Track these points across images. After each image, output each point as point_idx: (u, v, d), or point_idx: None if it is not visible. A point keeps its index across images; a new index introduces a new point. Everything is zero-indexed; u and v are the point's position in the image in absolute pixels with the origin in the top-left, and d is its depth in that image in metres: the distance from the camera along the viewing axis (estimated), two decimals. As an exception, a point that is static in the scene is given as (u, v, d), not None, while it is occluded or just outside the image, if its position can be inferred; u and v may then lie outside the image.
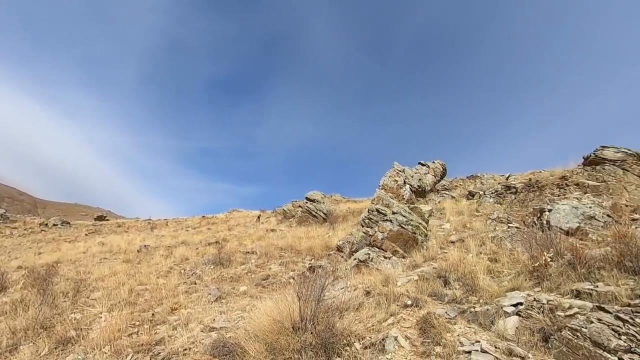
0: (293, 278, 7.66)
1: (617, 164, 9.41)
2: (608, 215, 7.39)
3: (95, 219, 34.90)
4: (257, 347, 3.81)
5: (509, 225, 8.50)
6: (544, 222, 7.55)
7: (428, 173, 15.82)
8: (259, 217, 22.14)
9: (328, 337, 3.74)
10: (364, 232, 8.91)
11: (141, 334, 5.07)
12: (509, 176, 14.27)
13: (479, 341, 3.42)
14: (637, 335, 2.90)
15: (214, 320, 5.36)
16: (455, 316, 4.18)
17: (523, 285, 4.92)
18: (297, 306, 4.09)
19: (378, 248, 7.92)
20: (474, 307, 4.29)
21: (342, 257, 9.20)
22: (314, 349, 3.62)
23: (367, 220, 9.23)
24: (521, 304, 4.03)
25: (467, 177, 17.39)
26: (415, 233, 8.15)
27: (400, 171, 14.82)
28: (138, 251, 12.47)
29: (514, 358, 3.16)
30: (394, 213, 8.58)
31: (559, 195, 9.34)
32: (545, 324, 3.53)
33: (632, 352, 2.79)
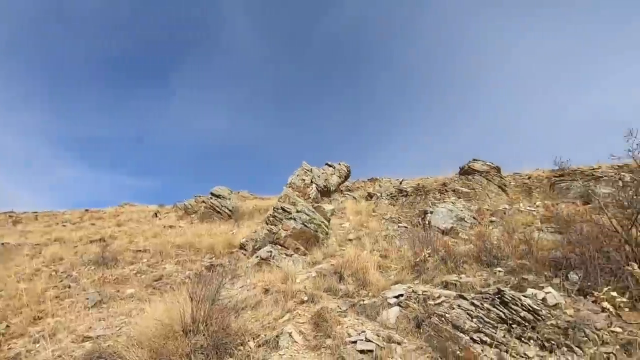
0: (189, 278, 7.23)
1: (483, 174, 11.28)
2: (474, 218, 8.81)
3: None
4: (140, 354, 3.48)
5: (399, 225, 9.48)
6: (427, 222, 8.62)
7: (334, 174, 16.61)
8: (156, 213, 20.28)
9: (221, 337, 3.64)
10: (268, 230, 8.92)
11: (-12, 351, 4.19)
12: (402, 181, 15.88)
13: (364, 331, 3.73)
14: (484, 317, 3.53)
15: (90, 328, 4.73)
16: (347, 309, 4.48)
17: (406, 278, 5.55)
18: (190, 307, 3.88)
19: (281, 246, 8.01)
20: (363, 300, 4.66)
21: (244, 255, 9.05)
22: (205, 350, 3.48)
23: (271, 218, 9.25)
24: (402, 295, 4.52)
25: (368, 180, 18.77)
26: (317, 231, 8.48)
27: (308, 170, 15.23)
28: (-8, 250, 10.24)
29: (392, 344, 3.54)
30: (298, 211, 8.78)
31: (439, 199, 10.76)
32: (419, 312, 4.04)
33: (479, 332, 3.39)
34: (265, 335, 3.93)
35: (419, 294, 4.42)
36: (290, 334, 3.82)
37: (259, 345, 3.75)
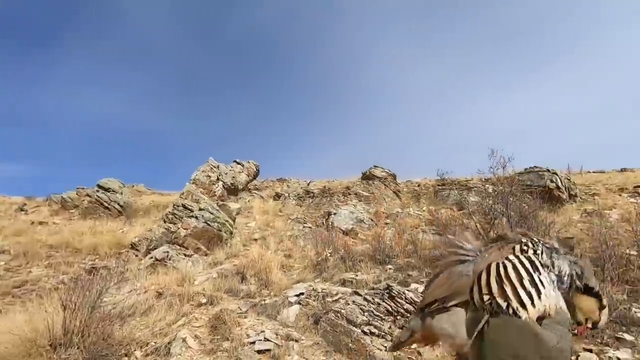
0: (63, 283, 6.23)
1: (381, 180, 12.35)
2: (372, 219, 9.58)
3: None
4: (-11, 378, 2.88)
5: (304, 225, 9.75)
6: (330, 223, 9.05)
7: (242, 172, 16.21)
8: (22, 206, 16.90)
9: (101, 349, 3.24)
10: (165, 229, 8.25)
11: None
12: (309, 182, 16.37)
13: (264, 331, 3.74)
14: (374, 311, 3.87)
15: None
16: (247, 310, 4.42)
17: (307, 277, 5.74)
18: (62, 317, 3.35)
19: (180, 246, 7.49)
20: (265, 300, 4.66)
21: (136, 256, 8.19)
22: (79, 366, 3.05)
23: (170, 216, 8.59)
24: (303, 293, 4.66)
25: (277, 180, 18.83)
26: (221, 230, 8.16)
27: (214, 167, 14.56)
28: None
29: (290, 342, 3.62)
30: (201, 209, 8.33)
31: (343, 202, 11.41)
32: (318, 309, 4.22)
33: (369, 324, 3.70)
34: (155, 342, 3.63)
35: (318, 292, 4.61)
36: (184, 339, 3.60)
37: (147, 355, 3.44)
